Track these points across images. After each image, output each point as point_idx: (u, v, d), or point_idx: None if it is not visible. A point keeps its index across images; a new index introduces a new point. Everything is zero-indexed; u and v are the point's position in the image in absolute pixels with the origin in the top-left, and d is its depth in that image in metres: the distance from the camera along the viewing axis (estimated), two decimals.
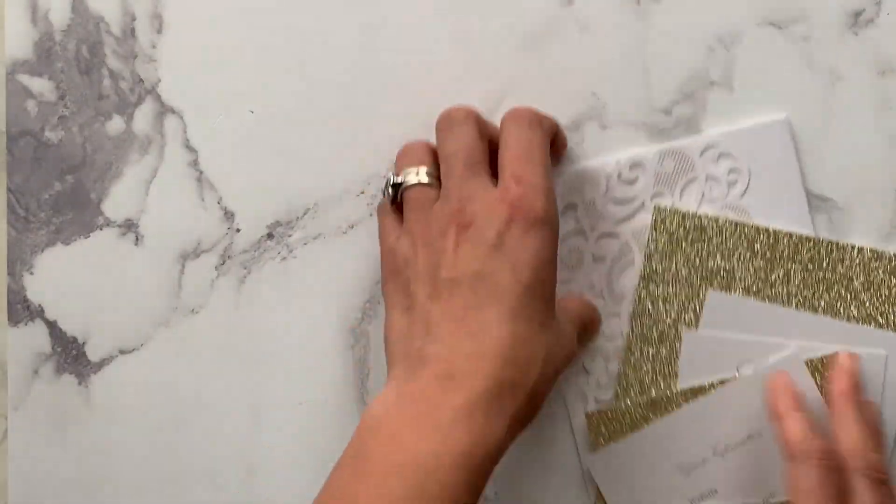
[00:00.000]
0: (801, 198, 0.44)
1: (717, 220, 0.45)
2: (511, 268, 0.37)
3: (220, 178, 0.48)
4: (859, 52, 0.46)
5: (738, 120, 0.46)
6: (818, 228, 0.46)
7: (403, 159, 0.43)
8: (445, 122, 0.41)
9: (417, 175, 0.41)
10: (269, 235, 0.47)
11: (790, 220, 0.44)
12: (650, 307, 0.46)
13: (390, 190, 0.42)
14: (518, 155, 0.39)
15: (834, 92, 0.47)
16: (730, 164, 0.43)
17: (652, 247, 0.46)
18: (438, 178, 0.41)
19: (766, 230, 0.45)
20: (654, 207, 0.45)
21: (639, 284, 0.46)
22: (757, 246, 0.45)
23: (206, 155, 0.48)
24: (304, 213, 0.47)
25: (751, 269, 0.45)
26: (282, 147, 0.47)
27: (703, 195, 0.43)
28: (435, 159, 0.42)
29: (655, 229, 0.45)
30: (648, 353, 0.45)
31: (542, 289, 0.37)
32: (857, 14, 0.46)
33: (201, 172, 0.48)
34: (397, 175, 0.42)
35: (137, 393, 0.48)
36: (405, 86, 0.46)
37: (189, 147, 0.48)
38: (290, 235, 0.47)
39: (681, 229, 0.45)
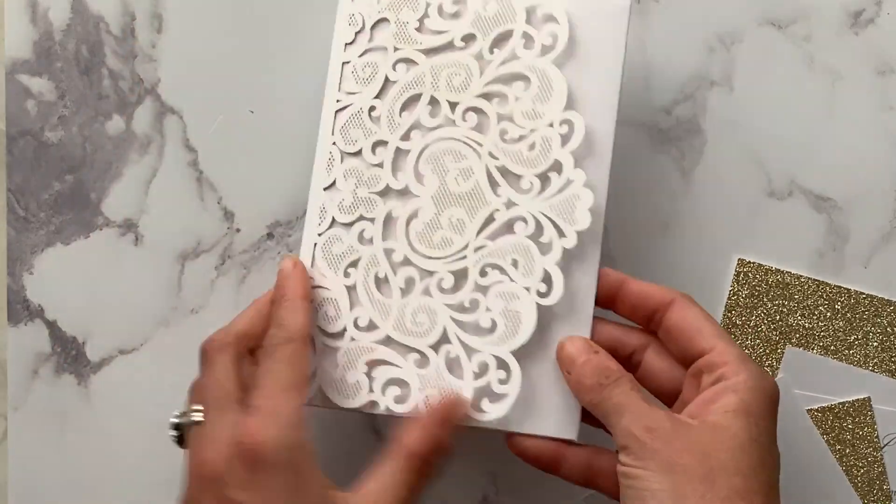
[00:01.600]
0: (613, 90, 0.40)
1: (799, 278, 0.46)
2: None
3: (219, 178, 0.48)
4: (859, 52, 0.46)
5: (739, 116, 0.46)
6: (818, 228, 0.46)
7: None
8: (201, 355, 0.38)
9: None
10: (269, 235, 0.47)
11: (595, 106, 0.39)
12: None
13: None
14: (264, 383, 0.35)
15: (834, 92, 0.47)
16: (552, 28, 0.40)
17: (733, 299, 0.46)
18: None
19: (848, 291, 0.46)
20: (738, 260, 0.46)
21: None
22: (837, 306, 0.46)
23: (205, 155, 0.48)
24: (304, 214, 0.47)
25: (830, 328, 0.46)
26: (282, 147, 0.47)
27: (513, 51, 0.40)
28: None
29: (737, 282, 0.46)
30: None
31: None
32: (857, 14, 0.46)
33: (201, 172, 0.48)
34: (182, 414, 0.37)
35: (137, 393, 0.48)
36: None
37: (189, 147, 0.48)
38: (289, 235, 0.47)
39: (763, 284, 0.46)
